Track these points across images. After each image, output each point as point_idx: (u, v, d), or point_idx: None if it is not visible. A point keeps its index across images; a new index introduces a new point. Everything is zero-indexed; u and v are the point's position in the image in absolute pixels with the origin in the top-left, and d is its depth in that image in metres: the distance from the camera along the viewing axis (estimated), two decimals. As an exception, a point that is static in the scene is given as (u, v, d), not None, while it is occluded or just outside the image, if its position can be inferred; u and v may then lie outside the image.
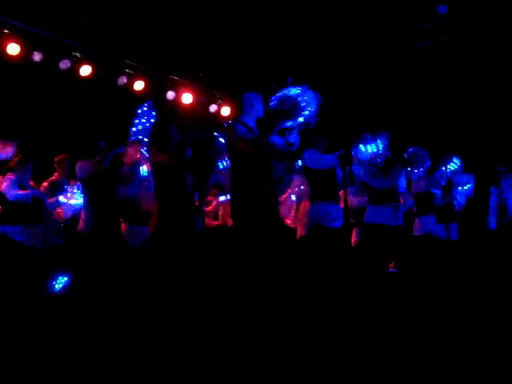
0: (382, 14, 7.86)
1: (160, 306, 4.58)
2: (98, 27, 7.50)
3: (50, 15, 7.04)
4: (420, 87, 8.57)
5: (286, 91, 4.29)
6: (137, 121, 5.81)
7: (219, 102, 9.40)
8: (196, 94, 8.92)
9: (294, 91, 4.26)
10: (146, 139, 5.68)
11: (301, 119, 4.26)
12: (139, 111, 5.85)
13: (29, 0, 6.84)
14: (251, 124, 4.56)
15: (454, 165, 6.47)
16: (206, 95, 9.18)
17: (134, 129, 5.79)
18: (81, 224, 5.44)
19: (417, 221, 6.63)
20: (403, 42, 8.38)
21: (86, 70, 7.65)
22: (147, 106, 5.87)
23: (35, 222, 5.95)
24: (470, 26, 7.96)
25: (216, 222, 6.90)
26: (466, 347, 3.70)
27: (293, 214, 6.55)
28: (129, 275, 5.20)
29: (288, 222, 6.56)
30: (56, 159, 6.38)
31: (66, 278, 5.89)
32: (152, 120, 5.81)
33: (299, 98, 4.24)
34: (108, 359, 3.49)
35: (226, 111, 9.39)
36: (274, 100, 4.33)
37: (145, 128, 5.76)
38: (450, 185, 6.08)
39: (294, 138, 4.59)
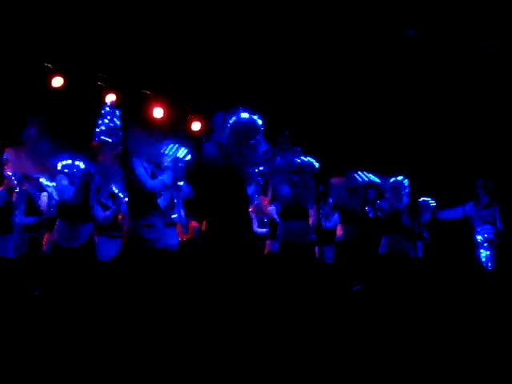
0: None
1: (126, 319, 4.59)
2: (72, 39, 7.49)
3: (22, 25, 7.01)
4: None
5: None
6: (100, 121, 5.77)
7: (190, 117, 9.46)
8: (167, 108, 8.96)
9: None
10: (109, 140, 5.65)
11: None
12: (103, 111, 5.82)
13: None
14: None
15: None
16: (177, 110, 9.23)
17: (98, 129, 5.75)
18: (54, 234, 5.37)
19: (383, 239, 6.77)
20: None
21: (57, 82, 7.64)
22: (110, 107, 5.85)
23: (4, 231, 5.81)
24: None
25: (186, 236, 6.92)
26: (431, 362, 3.80)
27: None
28: (100, 288, 5.17)
29: None
30: None
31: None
32: (115, 120, 5.78)
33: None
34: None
35: (196, 126, 9.45)
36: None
37: (108, 128, 5.71)
38: (416, 204, 6.24)
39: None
